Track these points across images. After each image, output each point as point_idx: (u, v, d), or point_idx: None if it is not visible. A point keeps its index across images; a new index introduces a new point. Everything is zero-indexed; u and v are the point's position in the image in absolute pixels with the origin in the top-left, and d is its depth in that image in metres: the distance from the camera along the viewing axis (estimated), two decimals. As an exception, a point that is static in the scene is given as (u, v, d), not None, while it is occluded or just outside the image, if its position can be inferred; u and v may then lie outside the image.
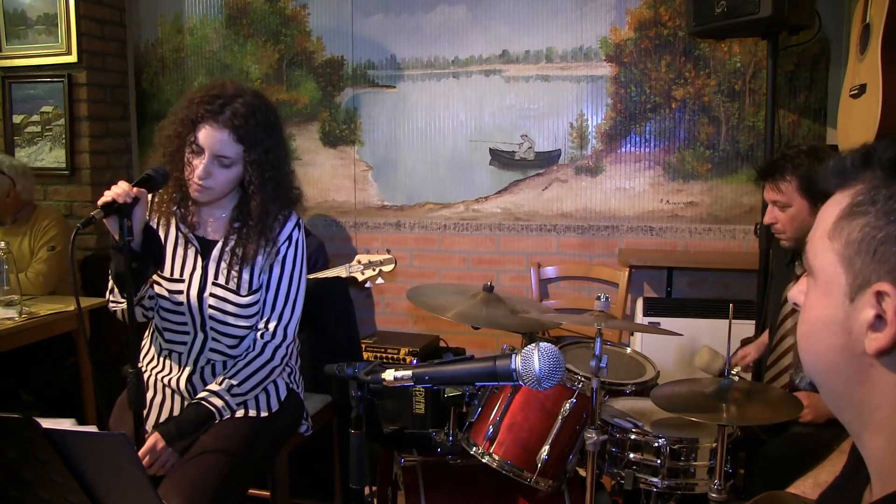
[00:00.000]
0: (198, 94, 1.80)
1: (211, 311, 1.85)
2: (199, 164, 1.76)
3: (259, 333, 1.87)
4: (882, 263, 0.67)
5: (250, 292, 1.86)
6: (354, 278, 2.23)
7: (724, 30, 2.73)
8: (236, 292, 1.85)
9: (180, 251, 1.89)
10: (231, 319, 1.86)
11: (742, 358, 2.37)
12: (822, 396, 0.76)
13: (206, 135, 1.75)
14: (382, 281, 2.24)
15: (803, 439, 1.93)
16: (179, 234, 1.89)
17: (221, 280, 1.85)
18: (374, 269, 2.22)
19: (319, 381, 2.41)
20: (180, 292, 1.86)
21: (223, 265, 1.85)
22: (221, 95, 1.77)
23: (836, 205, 0.73)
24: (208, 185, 1.77)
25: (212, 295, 1.85)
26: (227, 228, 1.88)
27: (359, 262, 2.24)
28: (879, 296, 0.66)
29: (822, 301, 0.72)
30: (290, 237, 1.89)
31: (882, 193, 0.68)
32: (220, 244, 1.87)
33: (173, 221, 1.90)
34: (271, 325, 1.87)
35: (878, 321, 0.67)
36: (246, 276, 1.85)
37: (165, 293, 1.87)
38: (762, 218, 2.32)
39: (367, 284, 2.25)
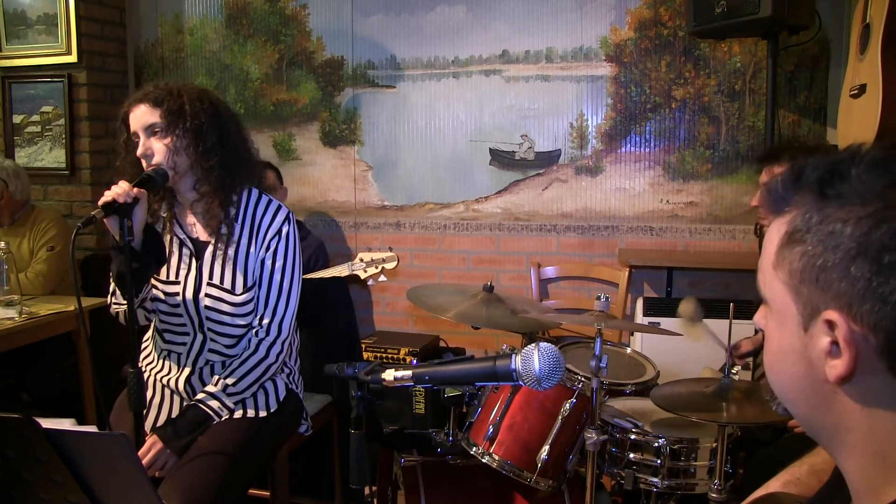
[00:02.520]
0: None
1: (207, 311, 1.85)
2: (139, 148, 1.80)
3: (254, 331, 1.87)
4: (826, 291, 0.65)
5: (245, 290, 1.86)
6: (357, 276, 2.22)
7: (724, 30, 2.73)
8: (231, 291, 1.85)
9: (175, 253, 1.89)
10: (227, 319, 1.86)
11: (735, 348, 2.37)
12: (797, 422, 0.75)
13: (132, 120, 1.81)
14: (385, 278, 2.23)
15: (803, 439, 1.93)
16: (174, 237, 1.90)
17: (216, 280, 1.85)
18: (376, 267, 2.22)
19: (319, 381, 2.41)
20: (176, 294, 1.86)
21: (217, 265, 1.86)
22: (144, 87, 1.86)
23: (776, 232, 0.71)
24: (155, 162, 1.78)
25: (207, 295, 1.85)
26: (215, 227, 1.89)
27: (361, 260, 2.24)
28: (829, 324, 0.65)
29: (779, 331, 0.71)
30: (279, 232, 1.89)
31: (815, 219, 0.67)
32: (212, 244, 1.87)
33: (167, 224, 1.91)
34: (265, 321, 1.87)
35: (835, 347, 0.65)
36: (240, 273, 1.86)
37: (162, 295, 1.87)
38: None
39: (370, 282, 2.24)
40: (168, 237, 1.90)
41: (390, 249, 2.25)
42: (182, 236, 1.89)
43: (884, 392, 0.66)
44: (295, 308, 1.92)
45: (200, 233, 1.90)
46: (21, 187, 3.08)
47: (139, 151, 1.79)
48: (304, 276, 1.98)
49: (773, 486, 1.17)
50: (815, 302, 0.66)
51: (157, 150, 1.78)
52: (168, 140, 1.78)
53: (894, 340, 0.63)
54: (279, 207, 1.92)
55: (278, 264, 1.88)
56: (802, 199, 0.69)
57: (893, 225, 0.62)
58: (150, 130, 1.79)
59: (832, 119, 3.07)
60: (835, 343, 0.65)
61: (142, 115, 1.79)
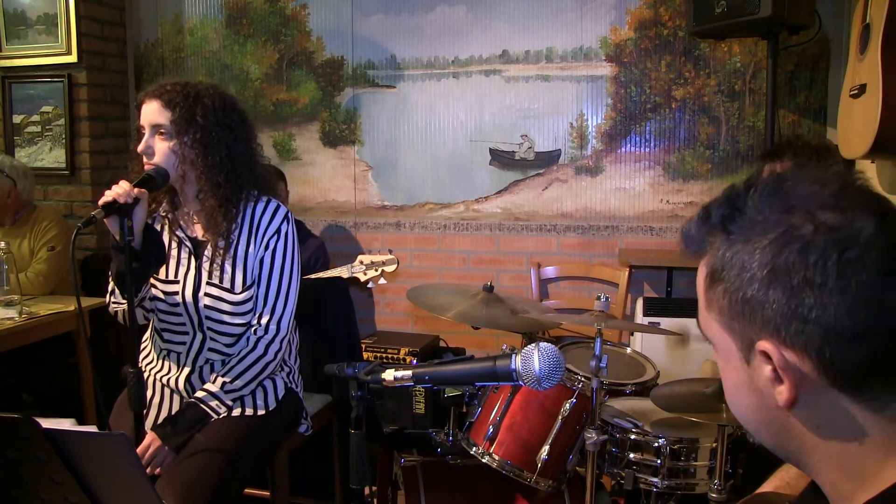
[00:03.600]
0: None
1: (206, 310, 1.85)
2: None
3: (253, 329, 1.87)
4: (753, 322, 0.67)
5: (244, 289, 1.86)
6: (356, 279, 2.22)
7: (724, 30, 2.73)
8: (230, 290, 1.85)
9: (174, 252, 1.89)
10: (227, 318, 1.86)
11: None
12: (769, 449, 0.77)
13: (143, 112, 1.80)
14: (385, 281, 2.23)
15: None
16: (173, 236, 1.90)
17: (215, 279, 1.85)
18: (376, 270, 2.22)
19: (319, 380, 2.41)
20: (175, 293, 1.86)
21: (216, 264, 1.86)
22: (166, 82, 1.83)
23: (700, 275, 0.74)
24: (154, 162, 1.78)
25: (206, 294, 1.85)
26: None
27: (361, 263, 2.24)
28: (764, 355, 0.67)
29: (727, 367, 0.73)
30: (278, 230, 1.88)
31: (727, 256, 0.69)
32: (211, 243, 1.87)
33: (166, 223, 1.91)
34: (264, 320, 1.87)
35: (777, 373, 0.67)
36: (239, 272, 1.86)
37: (161, 295, 1.87)
38: None
39: (370, 285, 2.24)
40: (167, 236, 1.90)
41: (390, 252, 2.25)
42: (181, 235, 1.89)
43: (832, 408, 0.67)
44: (294, 306, 1.91)
45: (199, 232, 1.90)
46: (27, 188, 3.10)
47: (140, 147, 1.79)
48: (304, 277, 1.98)
49: (765, 488, 1.18)
50: (748, 334, 0.68)
51: (158, 151, 1.78)
52: (172, 143, 1.77)
53: (826, 356, 0.64)
54: (278, 206, 1.91)
55: (277, 263, 1.88)
56: (714, 239, 0.72)
57: (795, 246, 0.64)
58: (156, 130, 1.78)
59: (832, 119, 3.07)
60: (775, 370, 0.67)
61: (151, 112, 1.78)
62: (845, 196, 0.66)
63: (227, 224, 1.83)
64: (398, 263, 2.22)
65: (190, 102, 1.78)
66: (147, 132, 1.79)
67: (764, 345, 0.67)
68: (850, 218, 0.64)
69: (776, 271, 0.65)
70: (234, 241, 1.86)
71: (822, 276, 0.63)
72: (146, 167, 1.78)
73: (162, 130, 1.78)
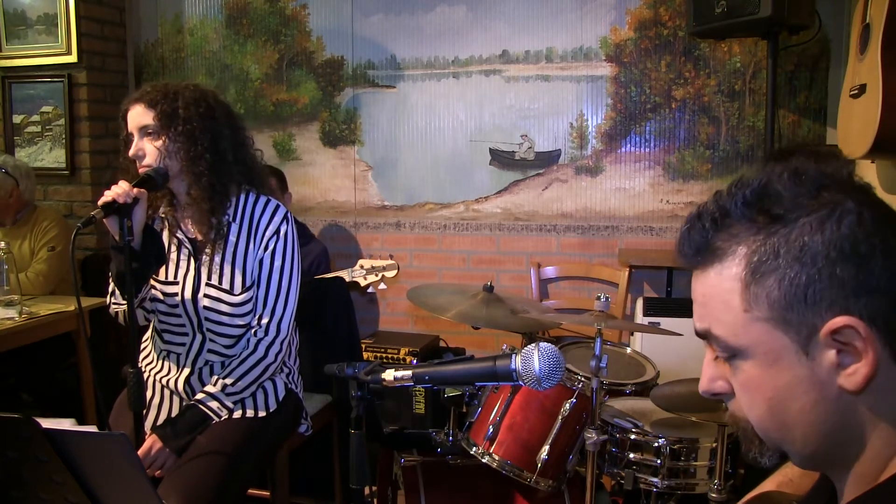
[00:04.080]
0: None
1: (206, 311, 1.85)
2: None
3: (253, 331, 1.87)
4: (819, 304, 0.65)
5: (244, 290, 1.86)
6: (357, 283, 2.22)
7: (724, 30, 2.73)
8: (230, 292, 1.85)
9: (173, 254, 1.89)
10: (226, 319, 1.86)
11: None
12: (801, 463, 0.73)
13: (129, 118, 1.81)
14: (385, 286, 2.23)
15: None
16: (173, 237, 1.90)
17: (214, 280, 1.85)
18: (376, 275, 2.22)
19: (319, 381, 2.40)
20: (175, 294, 1.86)
21: (215, 265, 1.85)
22: (145, 87, 1.86)
23: (727, 279, 0.69)
24: (146, 164, 1.78)
25: (206, 296, 1.85)
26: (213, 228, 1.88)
27: (361, 267, 2.24)
28: (835, 333, 0.64)
29: (771, 372, 0.69)
30: (277, 231, 1.88)
31: (775, 242, 0.66)
32: (210, 244, 1.87)
33: (166, 225, 1.91)
34: (264, 321, 1.87)
35: (844, 357, 0.65)
36: (238, 274, 1.85)
37: (161, 296, 1.87)
38: None
39: (370, 290, 2.24)
40: (167, 237, 1.90)
41: (391, 257, 2.25)
42: (181, 236, 1.89)
43: (893, 383, 0.66)
44: (294, 308, 1.91)
45: (198, 233, 1.89)
46: (29, 188, 3.11)
47: (131, 152, 1.80)
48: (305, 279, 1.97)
49: (766, 486, 1.18)
50: (810, 320, 0.65)
51: (148, 152, 1.79)
52: (160, 142, 1.78)
53: (892, 326, 0.64)
54: (277, 207, 1.91)
55: (277, 264, 1.88)
56: (744, 236, 0.68)
57: (851, 218, 0.64)
58: (144, 131, 1.79)
59: (832, 119, 3.07)
60: (841, 352, 0.65)
61: (136, 116, 1.80)
62: (850, 176, 0.67)
63: (217, 216, 1.83)
64: (399, 269, 2.22)
65: (170, 98, 1.79)
66: (136, 136, 1.80)
67: (836, 321, 0.64)
68: (869, 190, 0.65)
69: (842, 245, 0.63)
70: (234, 242, 1.86)
71: (884, 243, 0.63)
72: (140, 171, 1.78)
73: (149, 130, 1.79)
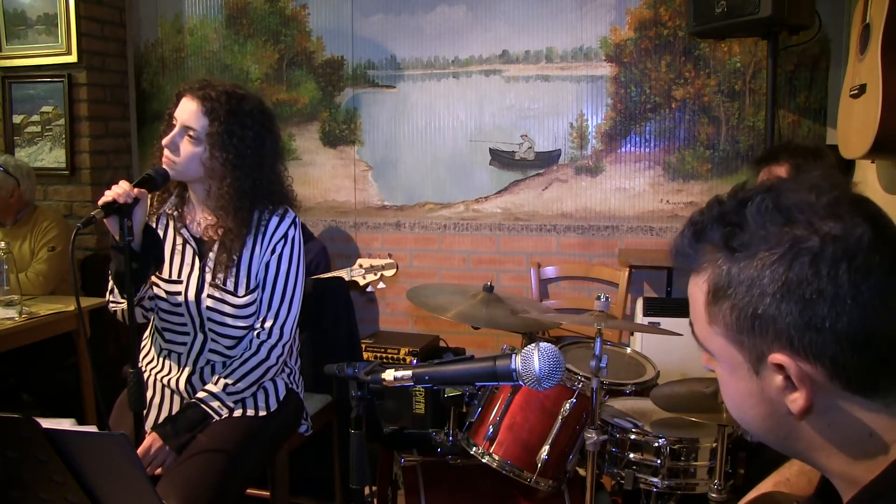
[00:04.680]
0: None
1: (208, 311, 1.85)
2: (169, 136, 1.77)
3: (255, 333, 1.87)
4: (765, 335, 0.68)
5: (247, 292, 1.85)
6: (356, 282, 2.22)
7: (724, 30, 2.73)
8: (233, 293, 1.85)
9: (178, 252, 1.89)
10: (229, 320, 1.85)
11: None
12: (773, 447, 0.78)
13: (181, 106, 1.77)
14: (384, 285, 2.23)
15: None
16: (178, 235, 1.89)
17: (219, 281, 1.85)
18: (375, 274, 2.22)
19: (319, 381, 2.40)
20: (178, 293, 1.86)
21: (220, 266, 1.85)
22: (210, 81, 1.80)
23: (697, 290, 0.74)
24: (173, 158, 1.76)
25: (209, 296, 1.85)
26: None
27: (360, 266, 2.24)
28: (777, 367, 0.68)
29: (732, 378, 0.74)
30: (285, 235, 1.87)
31: (732, 273, 0.69)
32: (216, 245, 1.86)
33: (171, 223, 1.90)
34: (268, 324, 1.86)
35: (789, 383, 0.68)
36: (243, 276, 1.85)
37: (163, 294, 1.87)
38: None
39: (369, 289, 2.24)
40: (172, 233, 1.89)
41: (389, 256, 2.25)
42: (186, 235, 1.89)
43: (843, 410, 0.69)
44: (297, 312, 1.91)
45: (205, 233, 1.89)
46: (30, 188, 3.11)
47: (165, 141, 1.76)
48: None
49: (763, 487, 1.18)
50: (759, 347, 0.69)
51: (183, 152, 1.76)
52: (201, 151, 1.75)
53: (839, 362, 0.66)
54: (286, 211, 1.90)
55: (283, 268, 1.87)
56: (712, 256, 0.71)
57: (804, 259, 0.65)
58: (187, 131, 1.75)
59: (832, 119, 3.07)
60: (788, 379, 0.68)
61: (188, 113, 1.75)
62: (840, 203, 0.67)
63: (240, 242, 1.82)
64: (398, 268, 2.22)
65: (231, 120, 1.74)
66: (177, 128, 1.76)
67: (778, 357, 0.67)
68: (850, 225, 0.65)
69: (789, 286, 0.66)
70: (233, 240, 1.85)
71: (835, 287, 0.64)
72: (164, 161, 1.77)
73: (191, 134, 1.75)
